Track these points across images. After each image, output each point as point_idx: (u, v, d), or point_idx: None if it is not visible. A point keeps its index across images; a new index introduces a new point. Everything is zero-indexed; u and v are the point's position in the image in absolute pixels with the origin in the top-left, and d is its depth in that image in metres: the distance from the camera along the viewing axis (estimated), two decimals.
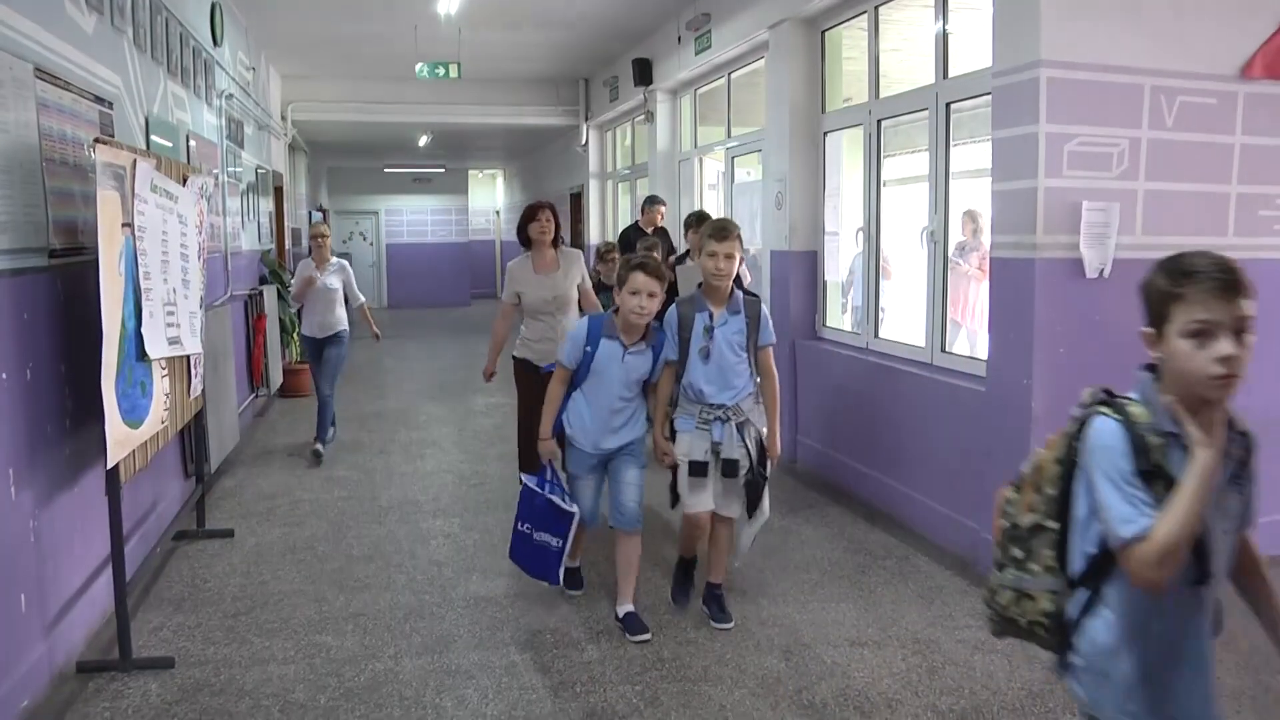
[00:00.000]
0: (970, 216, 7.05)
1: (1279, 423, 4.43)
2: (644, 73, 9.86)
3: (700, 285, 3.80)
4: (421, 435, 7.56)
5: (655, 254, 5.58)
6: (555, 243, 5.16)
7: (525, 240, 5.18)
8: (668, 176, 9.80)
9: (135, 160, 3.63)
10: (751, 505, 3.78)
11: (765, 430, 3.85)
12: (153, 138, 5.09)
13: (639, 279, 3.55)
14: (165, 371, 4.01)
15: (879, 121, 5.79)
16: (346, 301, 6.94)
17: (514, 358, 5.16)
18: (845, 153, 6.54)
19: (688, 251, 5.89)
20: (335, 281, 6.83)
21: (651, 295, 3.55)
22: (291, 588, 4.32)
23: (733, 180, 8.44)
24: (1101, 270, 4.11)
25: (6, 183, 3.19)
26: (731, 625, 3.83)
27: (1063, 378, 4.12)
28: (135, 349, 3.63)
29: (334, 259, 6.91)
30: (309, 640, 3.77)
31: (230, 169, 7.66)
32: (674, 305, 3.80)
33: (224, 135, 7.42)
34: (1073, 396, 4.47)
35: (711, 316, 3.72)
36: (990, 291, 4.39)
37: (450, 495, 5.85)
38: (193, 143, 6.13)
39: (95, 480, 3.73)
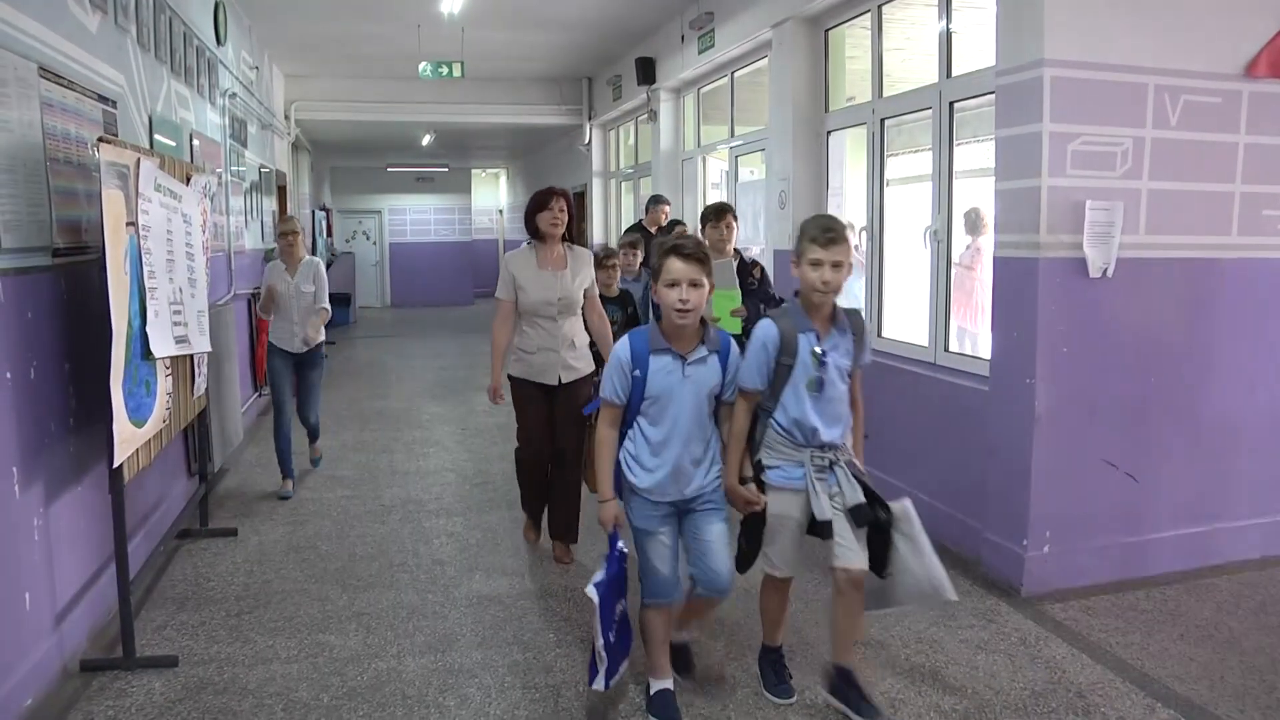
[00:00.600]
0: (969, 215, 7.03)
1: None
2: (647, 72, 9.86)
3: (795, 294, 3.09)
4: (424, 434, 7.57)
5: (614, 260, 5.24)
6: (566, 237, 4.50)
7: (533, 231, 4.46)
8: (671, 176, 9.80)
9: (139, 159, 3.64)
10: (882, 557, 3.05)
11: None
12: (156, 137, 5.10)
13: (675, 266, 2.87)
14: (169, 371, 4.02)
15: (882, 120, 5.79)
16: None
17: (509, 376, 4.53)
18: (848, 152, 6.54)
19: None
20: (308, 284, 5.86)
21: (694, 284, 2.86)
22: (294, 586, 4.32)
23: (736, 179, 8.44)
24: (1105, 270, 4.10)
25: (10, 182, 3.20)
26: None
27: (1066, 377, 4.12)
28: (140, 348, 3.63)
29: (306, 257, 5.93)
30: (312, 639, 3.77)
31: (234, 168, 7.67)
32: (768, 321, 3.05)
33: (227, 134, 7.44)
34: (1076, 396, 4.50)
35: (819, 338, 3.00)
36: (994, 291, 4.39)
37: (453, 494, 5.85)
38: (196, 142, 6.14)
39: (98, 479, 3.74)
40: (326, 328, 6.03)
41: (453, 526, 5.19)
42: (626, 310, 5.28)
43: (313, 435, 6.28)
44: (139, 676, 3.44)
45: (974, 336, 6.22)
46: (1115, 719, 3.14)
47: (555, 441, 4.50)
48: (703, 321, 2.98)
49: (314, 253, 13.37)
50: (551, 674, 3.46)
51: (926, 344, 5.25)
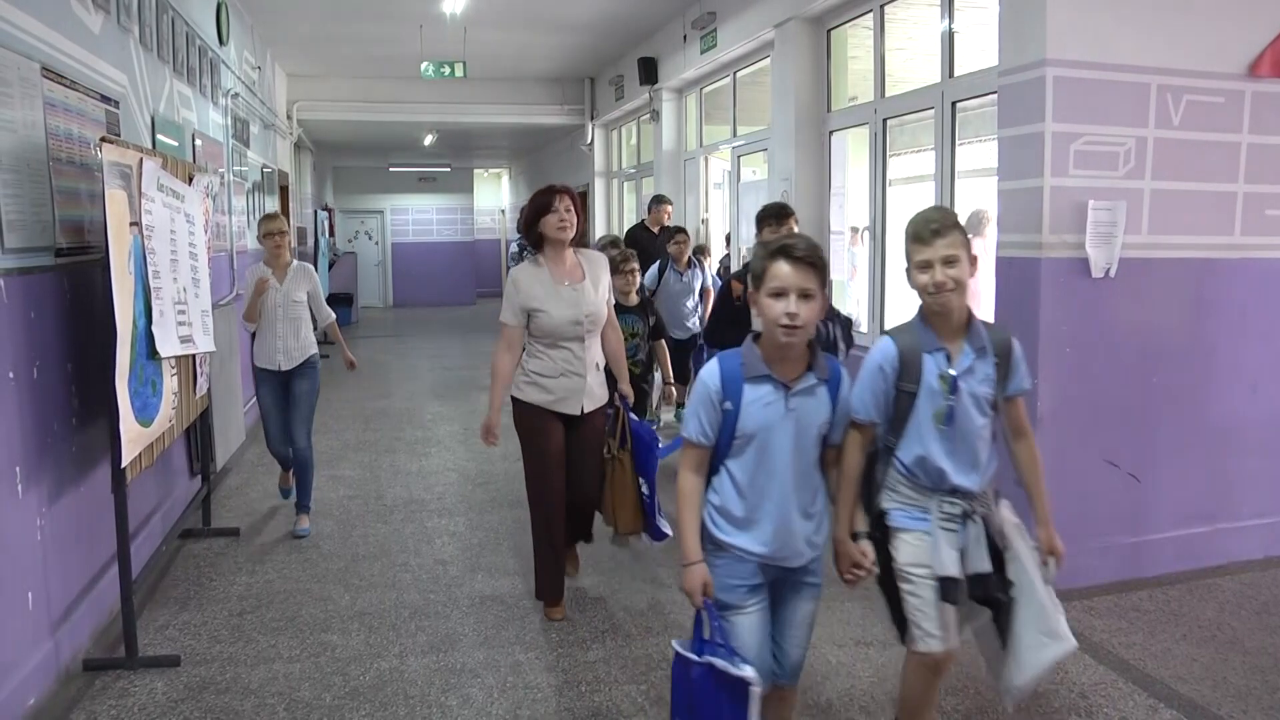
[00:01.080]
0: (972, 216, 7.02)
1: None
2: (649, 72, 9.87)
3: (920, 309, 2.55)
4: (426, 434, 7.57)
5: (633, 264, 4.84)
6: (575, 241, 3.86)
7: (537, 240, 3.83)
8: (673, 175, 9.81)
9: (141, 159, 3.64)
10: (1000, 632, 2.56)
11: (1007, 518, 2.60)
12: (159, 137, 5.11)
13: (782, 271, 2.28)
14: (174, 370, 4.02)
15: (884, 120, 5.79)
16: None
17: (517, 400, 3.84)
18: (850, 151, 6.54)
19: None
20: (300, 291, 5.06)
21: (806, 296, 2.27)
22: (297, 586, 4.33)
23: (738, 179, 8.44)
24: (1108, 270, 4.10)
25: (14, 182, 3.21)
26: None
27: (1068, 378, 4.11)
28: (146, 348, 3.64)
29: (295, 262, 5.17)
30: (314, 639, 3.77)
31: (236, 168, 7.68)
32: (887, 338, 2.53)
33: (229, 134, 7.44)
34: (1078, 396, 4.49)
35: (949, 358, 2.47)
36: (996, 291, 4.39)
37: (455, 494, 5.85)
38: (198, 142, 6.14)
39: (101, 478, 3.74)
40: (325, 336, 5.41)
41: (455, 526, 5.19)
42: (648, 320, 4.99)
43: (301, 482, 5.18)
44: (141, 676, 3.44)
45: None
46: (1118, 719, 3.14)
47: (572, 478, 3.89)
48: (810, 344, 2.39)
49: (316, 253, 13.44)
50: (554, 674, 3.47)
51: None
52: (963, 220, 2.60)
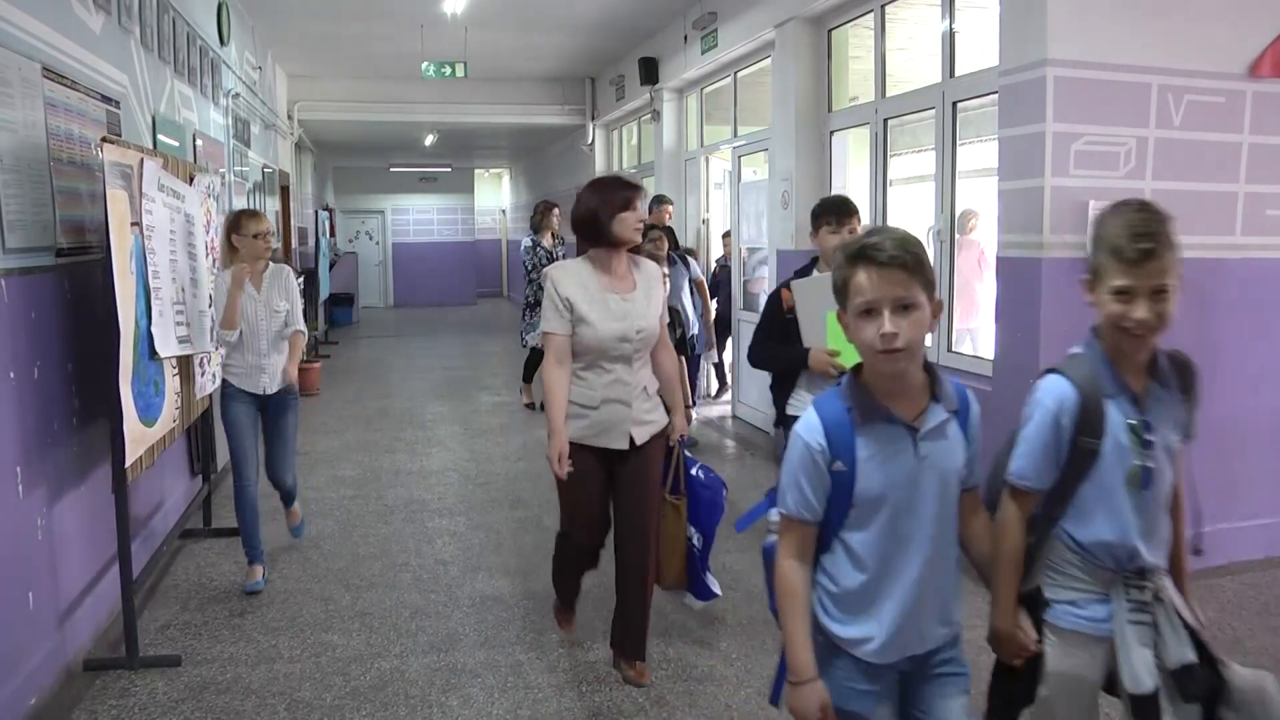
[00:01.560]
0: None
1: None
2: (650, 72, 9.86)
3: (1092, 331, 2.01)
4: (427, 434, 7.57)
5: (663, 245, 4.48)
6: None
7: (596, 237, 3.21)
8: (674, 175, 9.80)
9: (142, 159, 3.65)
10: None
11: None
12: (159, 137, 5.11)
13: (863, 281, 1.75)
14: (175, 370, 4.03)
15: (885, 120, 5.79)
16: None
17: None
18: (851, 152, 6.54)
19: (814, 260, 3.74)
20: (284, 302, 4.32)
21: (905, 307, 1.74)
22: (298, 586, 4.33)
23: (739, 179, 8.44)
24: None
25: (15, 182, 3.21)
26: None
27: None
28: (148, 348, 3.65)
29: (273, 265, 4.36)
30: (315, 639, 3.77)
31: (236, 168, 7.68)
32: (1058, 378, 2.00)
33: (230, 134, 7.45)
34: None
35: (1136, 402, 1.93)
36: (997, 290, 4.39)
37: (456, 494, 5.85)
38: (199, 142, 6.14)
39: (102, 478, 3.75)
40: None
41: (455, 526, 5.19)
42: (675, 331, 4.76)
43: (287, 498, 4.75)
44: (142, 676, 3.45)
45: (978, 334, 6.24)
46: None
47: (620, 521, 3.35)
48: (929, 367, 1.90)
49: (317, 253, 13.44)
50: (555, 674, 3.47)
51: (929, 343, 5.25)
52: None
